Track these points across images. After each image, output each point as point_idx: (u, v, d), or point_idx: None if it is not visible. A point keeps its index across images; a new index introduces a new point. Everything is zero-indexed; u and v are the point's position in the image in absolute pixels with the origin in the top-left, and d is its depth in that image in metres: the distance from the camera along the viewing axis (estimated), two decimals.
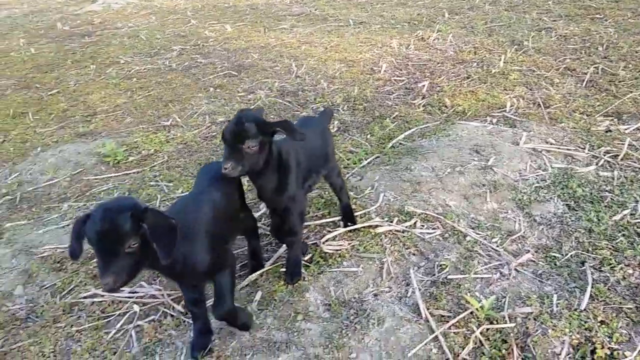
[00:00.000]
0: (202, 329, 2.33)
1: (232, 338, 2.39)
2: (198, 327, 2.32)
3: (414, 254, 2.82)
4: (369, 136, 4.22)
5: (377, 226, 2.99)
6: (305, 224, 2.97)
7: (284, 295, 2.58)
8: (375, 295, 2.56)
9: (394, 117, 4.50)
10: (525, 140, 3.78)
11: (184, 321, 2.55)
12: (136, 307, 2.64)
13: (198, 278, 2.19)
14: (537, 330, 2.26)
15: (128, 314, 2.62)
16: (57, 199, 3.79)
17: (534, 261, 2.72)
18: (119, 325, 2.56)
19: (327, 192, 3.36)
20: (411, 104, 4.79)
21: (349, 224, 3.01)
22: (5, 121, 5.34)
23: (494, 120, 4.27)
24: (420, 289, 2.56)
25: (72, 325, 2.57)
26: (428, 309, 2.43)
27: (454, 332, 2.30)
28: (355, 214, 3.08)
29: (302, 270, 2.70)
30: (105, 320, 2.61)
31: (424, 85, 5.10)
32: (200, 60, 6.57)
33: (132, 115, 5.16)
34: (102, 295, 2.76)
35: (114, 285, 1.73)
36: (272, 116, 4.69)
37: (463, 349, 2.22)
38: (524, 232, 2.95)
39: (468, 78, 5.20)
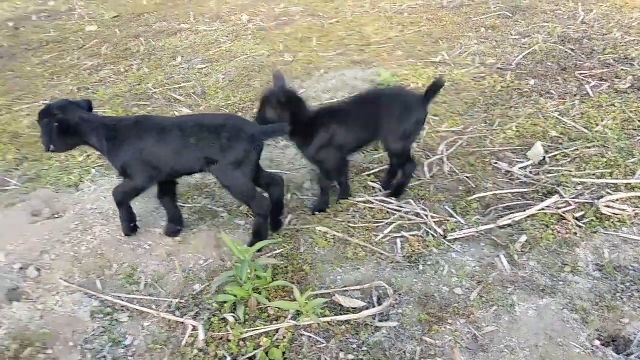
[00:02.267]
0: None
1: (492, 269, 2.48)
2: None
3: None
4: None
5: None
6: (581, 180, 2.81)
7: (551, 244, 2.54)
8: None
9: None
10: None
11: (444, 243, 2.74)
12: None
13: None
14: None
15: (394, 224, 2.93)
16: None
17: None
18: (387, 231, 2.89)
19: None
20: None
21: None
22: (294, 44, 6.15)
23: None
24: None
25: (349, 221, 2.99)
26: None
27: None
28: None
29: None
30: (375, 224, 2.96)
31: None
32: None
33: (403, 48, 5.40)
34: (372, 203, 3.12)
35: None
36: (549, 64, 4.37)
37: None
38: None
39: None
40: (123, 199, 2.79)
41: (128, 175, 2.71)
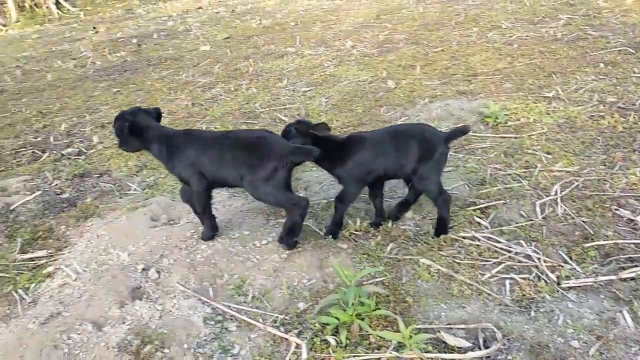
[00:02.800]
0: None
1: (613, 325, 2.31)
2: None
3: None
4: None
5: None
6: None
7: None
8: None
9: None
10: None
11: (558, 290, 2.60)
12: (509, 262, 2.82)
13: None
14: None
15: (503, 265, 2.82)
16: None
17: None
18: (494, 271, 2.79)
19: None
20: None
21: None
22: (397, 71, 6.21)
23: None
24: None
25: (453, 256, 2.94)
26: None
27: None
28: None
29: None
30: (482, 262, 2.88)
31: None
32: (591, 32, 6.10)
33: (512, 81, 5.25)
34: (479, 240, 3.04)
35: None
36: None
37: None
38: None
39: None
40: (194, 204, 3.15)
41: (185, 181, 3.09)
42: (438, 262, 2.89)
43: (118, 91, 6.96)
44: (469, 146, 4.17)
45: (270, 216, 3.45)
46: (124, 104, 6.39)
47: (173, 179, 4.25)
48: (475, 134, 4.33)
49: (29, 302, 2.96)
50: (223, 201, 3.73)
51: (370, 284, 2.74)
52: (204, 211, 3.10)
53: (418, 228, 3.25)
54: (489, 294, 2.66)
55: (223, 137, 3.07)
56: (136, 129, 3.04)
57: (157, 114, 3.29)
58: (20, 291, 3.06)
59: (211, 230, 3.16)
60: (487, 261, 2.88)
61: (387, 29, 8.05)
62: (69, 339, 2.48)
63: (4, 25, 14.94)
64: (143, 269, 2.90)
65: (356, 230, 3.23)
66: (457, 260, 2.89)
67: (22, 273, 3.26)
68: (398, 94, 5.53)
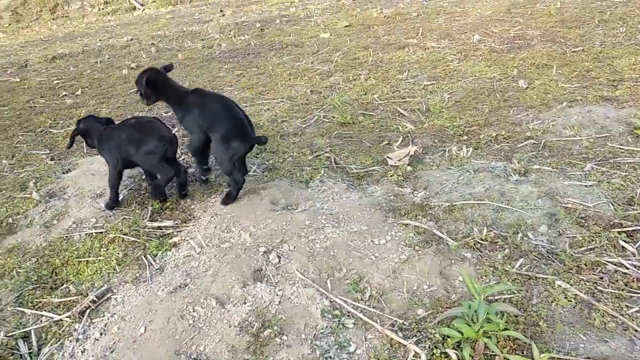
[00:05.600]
0: None
1: None
2: None
3: None
4: None
5: None
6: None
7: None
8: None
9: None
10: None
11: None
12: None
13: None
14: None
15: None
16: (579, 157, 3.87)
17: None
18: None
19: None
20: None
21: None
22: (530, 70, 5.76)
23: None
24: None
25: (594, 282, 2.64)
26: None
27: None
28: None
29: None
30: (629, 293, 2.56)
31: None
32: None
33: None
34: (626, 267, 2.71)
35: None
36: None
37: None
38: None
39: None
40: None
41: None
42: (576, 286, 2.61)
43: (241, 74, 7.24)
44: (614, 159, 3.74)
45: (389, 213, 3.35)
46: (247, 87, 6.63)
47: (291, 165, 4.32)
48: (622, 147, 3.88)
49: (156, 269, 3.16)
50: (340, 192, 3.71)
51: (499, 299, 2.55)
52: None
53: (553, 245, 2.97)
54: (637, 331, 2.35)
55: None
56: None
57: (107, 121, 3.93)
58: (149, 257, 3.28)
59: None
60: (636, 293, 2.55)
61: (518, 24, 7.52)
62: (194, 311, 2.60)
63: (142, 5, 16.26)
64: (264, 252, 2.96)
65: (481, 240, 3.03)
66: (599, 288, 2.60)
67: (151, 240, 3.48)
68: (530, 94, 5.12)
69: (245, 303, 2.60)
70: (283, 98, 6.03)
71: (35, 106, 7.03)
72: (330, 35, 8.61)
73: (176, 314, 2.58)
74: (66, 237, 3.61)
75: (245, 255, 2.92)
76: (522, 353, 2.26)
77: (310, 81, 6.55)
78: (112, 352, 2.48)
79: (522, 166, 3.77)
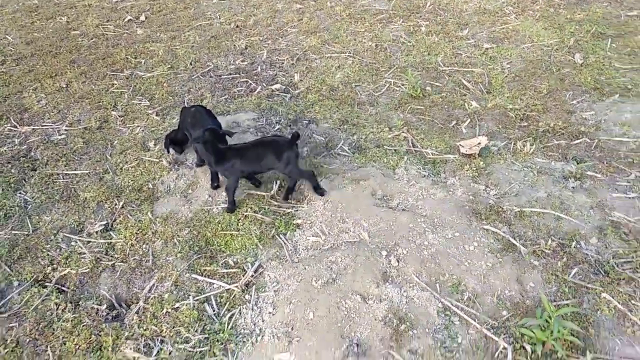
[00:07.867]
0: None
1: None
2: None
3: None
4: None
5: None
6: None
7: None
8: None
9: None
10: None
11: None
12: None
13: None
14: None
15: None
16: (625, 161, 4.64)
17: None
18: None
19: None
20: None
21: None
22: (585, 38, 6.15)
23: None
24: None
25: (629, 295, 3.66)
26: None
27: None
28: None
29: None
30: None
31: None
32: None
33: None
34: None
35: None
36: None
37: None
38: None
39: None
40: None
41: None
42: (616, 298, 3.64)
43: (300, 9, 7.41)
44: None
45: (472, 217, 4.24)
46: (310, 30, 6.92)
47: (373, 144, 5.03)
48: None
49: (290, 249, 4.07)
50: (427, 188, 4.53)
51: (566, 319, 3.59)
52: None
53: (599, 256, 3.94)
54: None
55: None
56: None
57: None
58: (281, 236, 4.17)
59: None
60: None
61: None
62: (346, 304, 3.60)
63: None
64: (386, 255, 3.90)
65: (545, 248, 3.97)
66: (632, 301, 3.63)
67: (278, 219, 4.34)
68: (585, 74, 5.66)
69: (381, 301, 3.60)
70: (350, 52, 6.43)
71: (106, 33, 7.27)
72: None
73: (334, 305, 3.58)
74: (206, 209, 4.44)
75: (372, 258, 3.86)
76: (577, 352, 3.35)
77: (371, 29, 6.85)
78: (292, 329, 3.51)
79: (578, 169, 4.56)
